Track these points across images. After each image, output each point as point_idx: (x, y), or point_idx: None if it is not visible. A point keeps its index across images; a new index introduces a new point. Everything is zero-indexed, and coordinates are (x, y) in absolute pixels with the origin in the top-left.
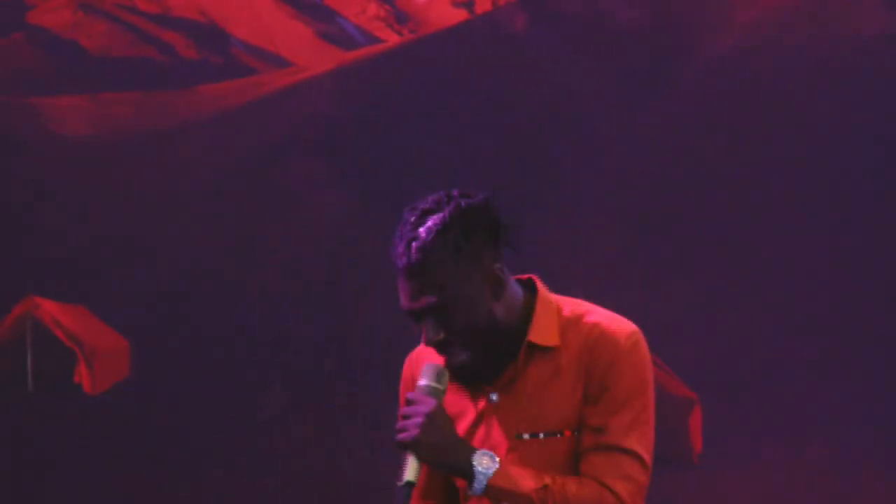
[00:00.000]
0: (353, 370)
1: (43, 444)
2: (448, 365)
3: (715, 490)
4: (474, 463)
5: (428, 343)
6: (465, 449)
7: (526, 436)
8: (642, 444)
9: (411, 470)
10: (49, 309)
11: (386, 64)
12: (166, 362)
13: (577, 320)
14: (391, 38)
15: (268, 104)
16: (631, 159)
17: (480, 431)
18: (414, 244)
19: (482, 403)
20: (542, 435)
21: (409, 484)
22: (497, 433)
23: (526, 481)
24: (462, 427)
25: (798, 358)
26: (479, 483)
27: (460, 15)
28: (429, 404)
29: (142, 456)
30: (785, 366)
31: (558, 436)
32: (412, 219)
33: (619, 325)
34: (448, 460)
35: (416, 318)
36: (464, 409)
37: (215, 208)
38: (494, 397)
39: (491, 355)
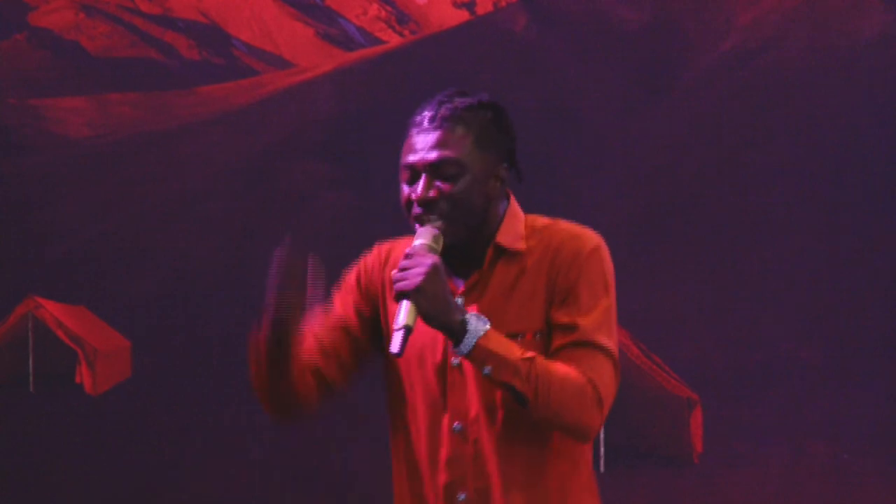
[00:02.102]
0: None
1: (44, 445)
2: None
3: (715, 490)
4: (468, 321)
5: (418, 197)
6: (459, 307)
7: None
8: (612, 341)
9: (409, 315)
10: (50, 309)
11: (387, 65)
12: (166, 362)
13: (542, 229)
14: (392, 40)
15: (269, 105)
16: (631, 160)
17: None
18: (444, 106)
19: None
20: (504, 335)
21: (408, 328)
22: None
23: (514, 349)
24: (431, 330)
25: (799, 359)
26: (469, 341)
27: (461, 16)
28: (431, 257)
29: (142, 456)
30: (786, 366)
31: (519, 338)
32: (445, 93)
33: (583, 231)
34: (444, 313)
35: (413, 174)
36: None
37: (216, 209)
38: (459, 301)
39: (460, 246)
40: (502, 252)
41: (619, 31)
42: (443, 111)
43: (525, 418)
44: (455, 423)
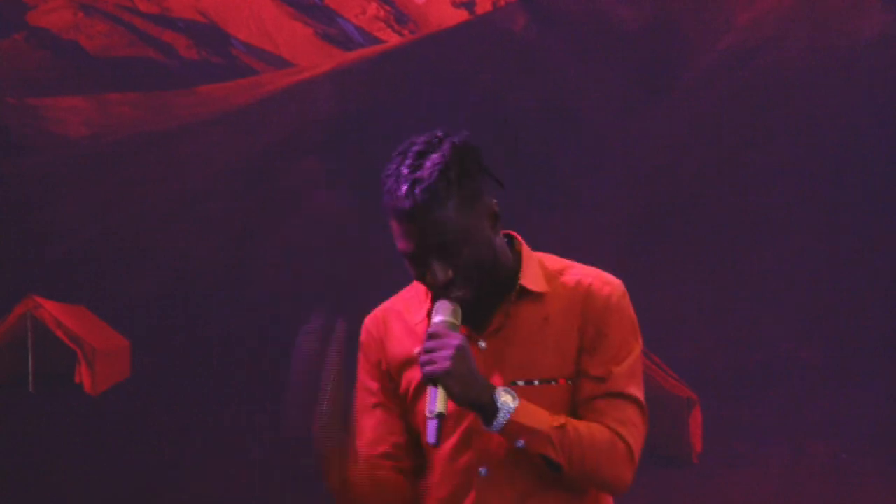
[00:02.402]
0: (354, 369)
1: (43, 444)
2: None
3: (715, 490)
4: (497, 398)
5: (437, 283)
6: (489, 385)
7: (520, 383)
8: (640, 390)
9: (440, 402)
10: (50, 309)
11: (386, 64)
12: (166, 362)
13: (561, 272)
14: (391, 39)
15: (268, 104)
16: (631, 160)
17: None
18: (418, 187)
19: (471, 350)
20: (536, 382)
21: (441, 415)
22: (489, 380)
23: (544, 419)
24: None
25: (799, 359)
26: (502, 418)
27: (461, 16)
28: (456, 337)
29: (142, 455)
30: (786, 367)
31: (553, 384)
32: (408, 161)
33: (608, 277)
34: (474, 394)
35: (418, 261)
36: None
37: (216, 208)
38: (483, 345)
39: (485, 295)
40: (526, 294)
41: (619, 31)
42: (418, 193)
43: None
44: (481, 469)
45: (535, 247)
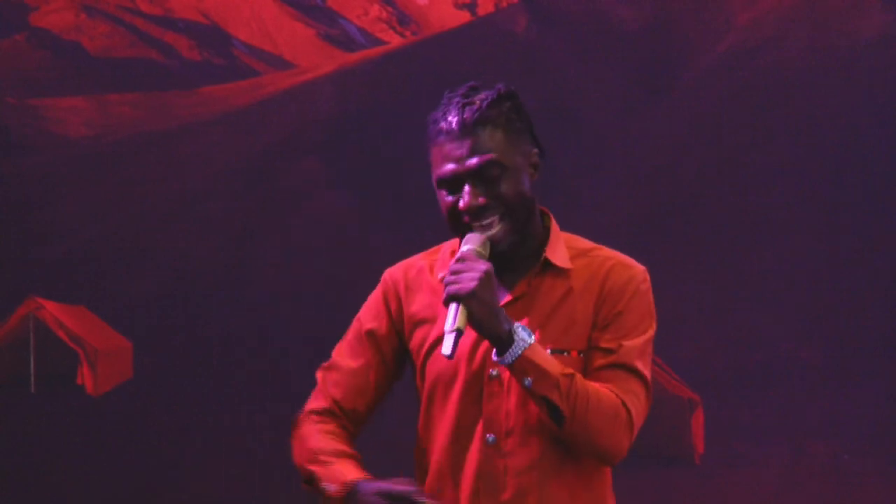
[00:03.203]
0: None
1: (44, 445)
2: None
3: (717, 490)
4: (515, 331)
5: (468, 208)
6: (506, 317)
7: None
8: (648, 370)
9: (461, 318)
10: (51, 309)
11: (388, 66)
12: (167, 362)
13: (587, 252)
14: (393, 40)
15: (269, 105)
16: (631, 160)
17: (484, 346)
18: (468, 109)
19: None
20: (549, 351)
21: (460, 331)
22: None
23: (555, 365)
24: (470, 338)
25: (799, 359)
26: (515, 351)
27: (462, 17)
28: (484, 263)
29: (142, 456)
30: (786, 367)
31: (565, 354)
32: (460, 92)
33: (632, 262)
34: (494, 320)
35: (454, 185)
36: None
37: (216, 209)
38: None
39: (508, 253)
40: (550, 267)
41: (619, 31)
42: (467, 114)
43: (559, 437)
44: (489, 435)
45: None
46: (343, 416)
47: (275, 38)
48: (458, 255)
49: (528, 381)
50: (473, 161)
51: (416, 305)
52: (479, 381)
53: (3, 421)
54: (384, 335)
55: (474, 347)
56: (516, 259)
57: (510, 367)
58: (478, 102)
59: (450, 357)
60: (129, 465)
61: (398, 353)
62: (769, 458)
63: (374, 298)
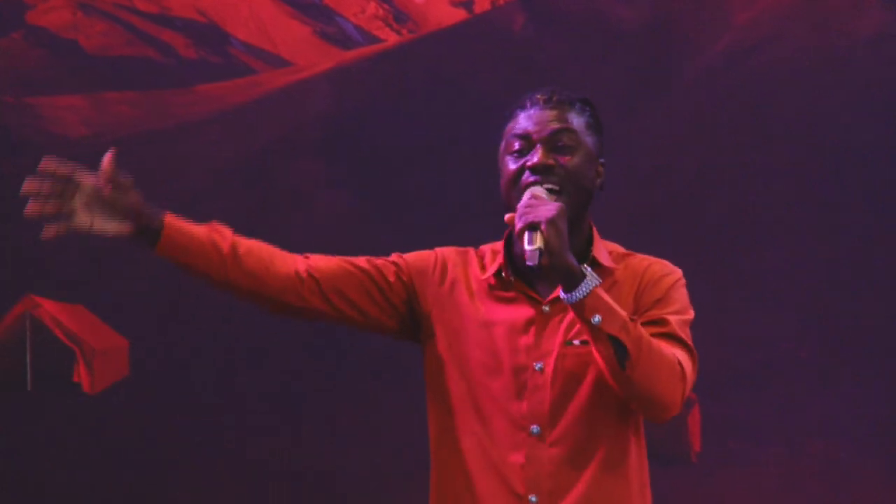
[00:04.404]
0: (350, 372)
1: (42, 444)
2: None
3: (713, 489)
4: (586, 268)
5: (535, 163)
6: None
7: (576, 342)
8: (692, 345)
9: (538, 240)
10: (48, 308)
11: (385, 63)
12: (163, 360)
13: (626, 256)
14: (390, 38)
15: (266, 104)
16: (629, 159)
17: (529, 337)
18: (558, 92)
19: (532, 313)
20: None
21: (541, 250)
22: (547, 340)
23: (619, 306)
24: (504, 330)
25: (798, 358)
26: (587, 287)
27: (459, 14)
28: (557, 204)
29: (140, 456)
30: (784, 366)
31: None
32: (550, 87)
33: (670, 264)
34: (567, 252)
35: (525, 146)
36: (514, 317)
37: (214, 208)
38: (546, 308)
39: (568, 227)
40: (596, 266)
41: (617, 30)
42: (558, 93)
43: (603, 421)
44: (533, 426)
45: None
46: (303, 279)
47: (272, 36)
48: (528, 194)
49: (596, 318)
50: (554, 125)
51: (450, 296)
52: (522, 373)
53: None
54: (404, 274)
55: (513, 338)
56: (577, 230)
57: (579, 303)
58: (567, 92)
59: (538, 267)
60: (126, 464)
61: (399, 301)
62: (767, 457)
63: (411, 257)
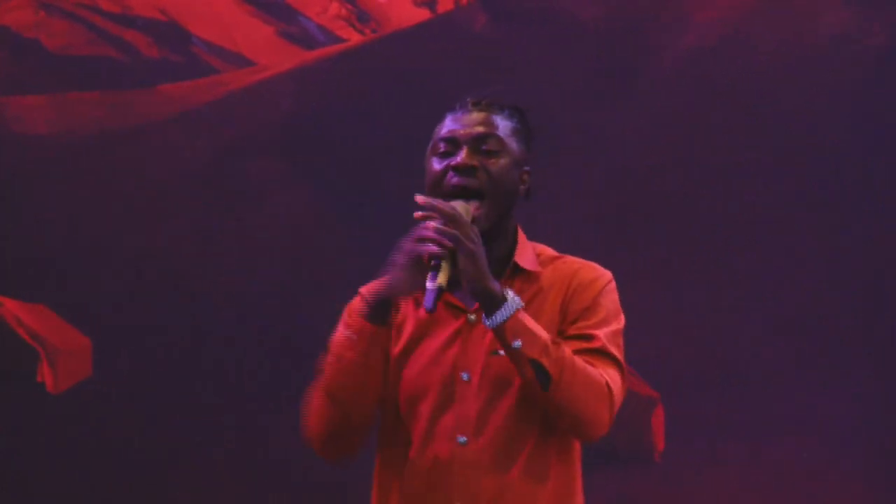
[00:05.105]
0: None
1: (5, 445)
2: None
3: (677, 488)
4: (507, 292)
5: (459, 162)
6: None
7: (502, 352)
8: (622, 358)
9: (443, 275)
10: (11, 307)
11: (348, 63)
12: (128, 361)
13: (553, 259)
14: (353, 38)
15: (229, 103)
16: (591, 158)
17: (454, 349)
18: (486, 98)
19: (458, 323)
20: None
21: (442, 288)
22: (472, 350)
23: (543, 330)
24: (435, 344)
25: (761, 358)
26: (509, 309)
27: (422, 14)
28: (471, 227)
29: (101, 457)
30: (748, 365)
31: None
32: (480, 87)
33: (598, 267)
34: (487, 277)
35: (450, 147)
36: (437, 329)
37: (175, 208)
38: (472, 318)
39: (491, 232)
40: (519, 272)
41: (579, 29)
42: (485, 96)
43: (528, 429)
44: (460, 436)
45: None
46: None
47: (234, 35)
48: (443, 209)
49: (517, 343)
50: (480, 129)
51: (394, 330)
52: (450, 385)
53: None
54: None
55: (442, 351)
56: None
57: (499, 327)
58: (496, 94)
59: (431, 311)
60: (90, 466)
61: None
62: (731, 456)
63: (354, 308)
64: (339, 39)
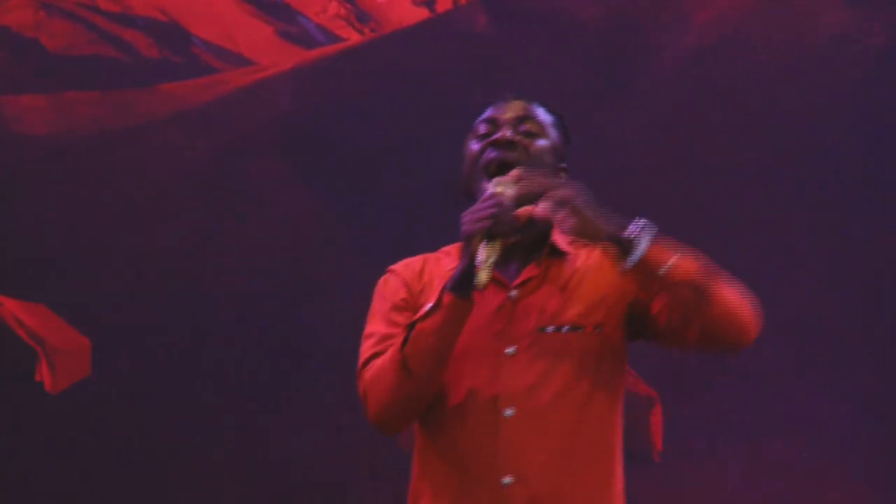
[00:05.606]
0: (314, 372)
1: (3, 445)
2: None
3: (676, 488)
4: (632, 222)
5: (499, 137)
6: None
7: (549, 329)
8: None
9: (492, 250)
10: (10, 307)
11: (347, 63)
12: (127, 361)
13: (574, 242)
14: (352, 37)
15: (229, 103)
16: (590, 158)
17: (499, 324)
18: (527, 94)
19: (500, 299)
20: (565, 329)
21: (493, 264)
22: (518, 326)
23: (670, 246)
24: (479, 321)
25: (760, 358)
26: (644, 242)
27: (421, 14)
28: (565, 185)
29: (100, 457)
30: (747, 365)
31: (580, 330)
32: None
33: None
34: (601, 224)
35: (492, 127)
36: (480, 305)
37: (175, 208)
38: (514, 293)
39: (518, 249)
40: (556, 253)
41: (579, 29)
42: (526, 94)
43: (578, 406)
44: (507, 410)
45: None
46: None
47: (234, 35)
48: (491, 189)
49: (669, 263)
50: (521, 112)
51: (430, 294)
52: (495, 359)
53: None
54: (413, 305)
55: (486, 326)
56: (520, 247)
57: (642, 261)
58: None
59: (482, 288)
60: (90, 466)
61: None
62: (729, 456)
63: (391, 283)
64: (339, 39)
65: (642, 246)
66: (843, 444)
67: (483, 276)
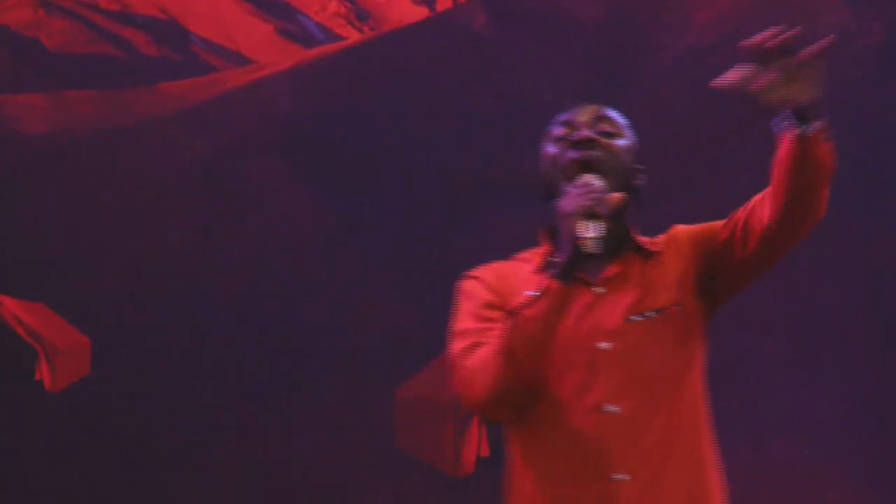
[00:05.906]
0: (314, 372)
1: (2, 444)
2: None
3: None
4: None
5: (580, 136)
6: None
7: (635, 318)
8: None
9: (600, 226)
10: (10, 306)
11: (346, 61)
12: (127, 360)
13: (653, 240)
14: (352, 36)
15: (228, 101)
16: None
17: (589, 319)
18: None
19: (587, 297)
20: (651, 314)
21: (603, 238)
22: (607, 319)
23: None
24: (570, 317)
25: (762, 355)
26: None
27: (421, 12)
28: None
29: (99, 456)
30: (749, 362)
31: (664, 312)
32: None
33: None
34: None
35: (570, 129)
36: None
37: (174, 207)
38: (599, 290)
39: (612, 216)
40: (641, 249)
41: (580, 28)
42: (601, 103)
43: (673, 391)
44: (608, 406)
45: (498, 244)
46: None
47: (233, 33)
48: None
49: (812, 128)
50: (596, 116)
51: (515, 297)
52: (590, 355)
53: None
54: (500, 307)
55: (576, 324)
56: (609, 241)
57: (814, 132)
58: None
59: (597, 248)
60: (90, 466)
61: None
62: (730, 452)
63: (475, 286)
64: (338, 37)
65: (821, 120)
66: (844, 443)
67: (592, 244)
